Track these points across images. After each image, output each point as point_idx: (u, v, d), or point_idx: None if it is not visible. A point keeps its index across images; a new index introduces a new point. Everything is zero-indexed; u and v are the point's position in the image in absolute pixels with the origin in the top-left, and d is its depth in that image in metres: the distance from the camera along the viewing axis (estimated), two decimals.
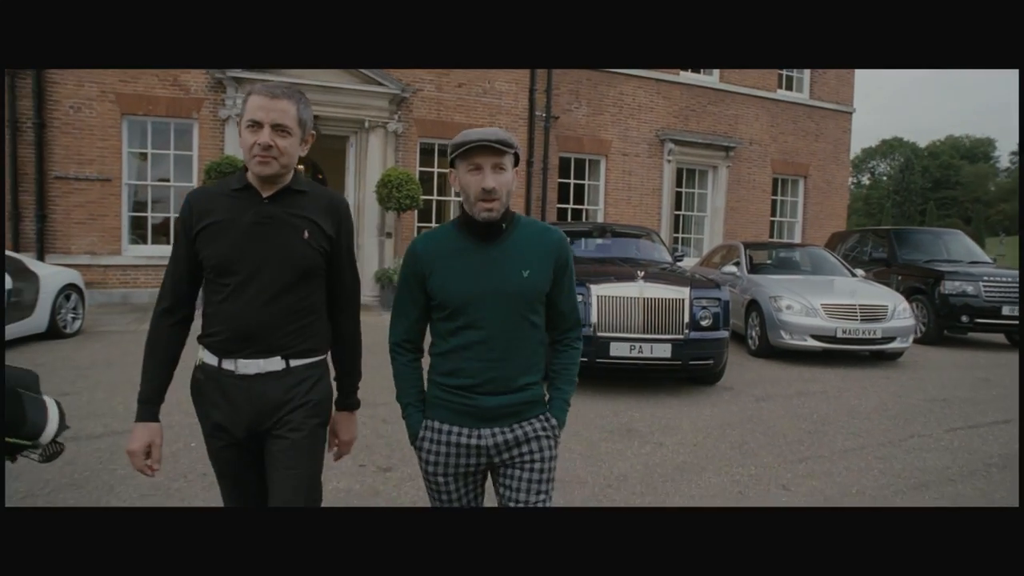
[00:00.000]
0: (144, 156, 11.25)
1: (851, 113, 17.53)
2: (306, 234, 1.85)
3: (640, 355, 5.94)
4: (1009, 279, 9.36)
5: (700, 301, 6.12)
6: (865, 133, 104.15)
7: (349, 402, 2.07)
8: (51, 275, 7.98)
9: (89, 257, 10.76)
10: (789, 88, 16.72)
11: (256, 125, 1.78)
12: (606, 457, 4.45)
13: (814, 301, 7.83)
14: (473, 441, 1.81)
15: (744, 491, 3.96)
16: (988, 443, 5.06)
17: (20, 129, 10.47)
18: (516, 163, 1.82)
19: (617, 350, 5.93)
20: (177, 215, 1.93)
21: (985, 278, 9.38)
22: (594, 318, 5.96)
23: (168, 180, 11.36)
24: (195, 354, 1.91)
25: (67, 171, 10.69)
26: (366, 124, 11.95)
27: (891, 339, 7.79)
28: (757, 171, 16.24)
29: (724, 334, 6.21)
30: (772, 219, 16.74)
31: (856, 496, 3.93)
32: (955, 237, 11.36)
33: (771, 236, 16.54)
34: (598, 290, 6.04)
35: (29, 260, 8.13)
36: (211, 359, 1.85)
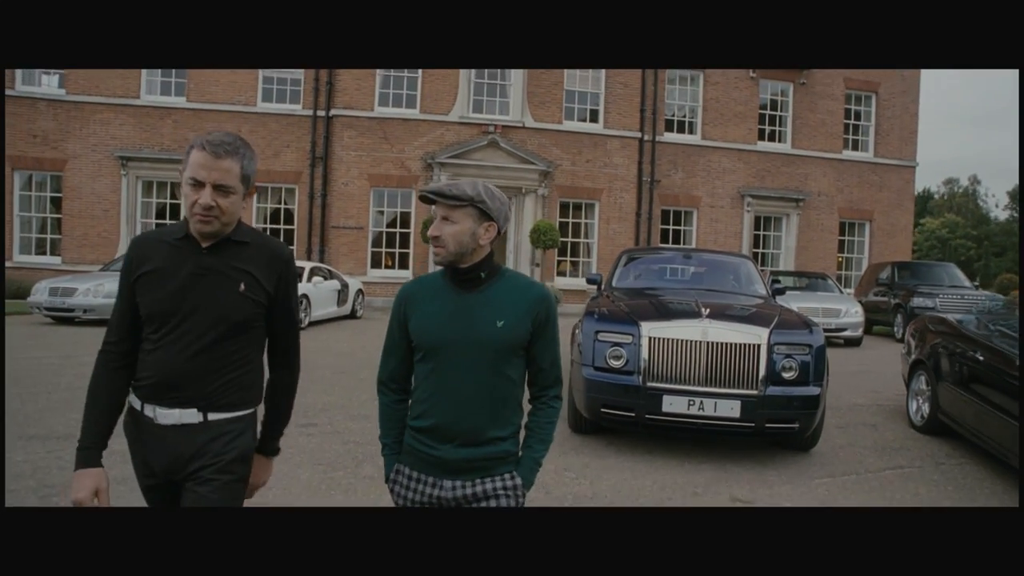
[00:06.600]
0: (381, 213, 17.74)
1: (914, 167, 21.22)
2: (242, 287, 1.83)
3: (700, 413, 4.89)
4: (957, 296, 13.40)
5: (782, 347, 5.03)
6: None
7: (266, 447, 2.07)
8: (354, 283, 14.49)
9: (348, 277, 17.19)
10: (855, 149, 20.77)
11: (197, 184, 1.74)
12: None
13: (794, 305, 12.46)
14: (436, 492, 1.83)
15: None
16: (834, 380, 9.74)
17: (314, 197, 17.28)
18: (489, 218, 1.80)
19: (671, 405, 4.90)
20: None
21: (942, 295, 13.42)
22: (643, 363, 4.99)
23: (395, 227, 17.75)
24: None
25: (338, 223, 17.31)
26: (523, 190, 17.74)
27: (843, 329, 12.32)
28: (825, 217, 20.42)
29: (815, 390, 5.00)
30: (840, 256, 20.77)
31: None
32: (947, 268, 15.35)
33: (838, 270, 20.56)
34: (649, 329, 5.05)
35: (342, 274, 14.58)
36: (136, 403, 1.87)
